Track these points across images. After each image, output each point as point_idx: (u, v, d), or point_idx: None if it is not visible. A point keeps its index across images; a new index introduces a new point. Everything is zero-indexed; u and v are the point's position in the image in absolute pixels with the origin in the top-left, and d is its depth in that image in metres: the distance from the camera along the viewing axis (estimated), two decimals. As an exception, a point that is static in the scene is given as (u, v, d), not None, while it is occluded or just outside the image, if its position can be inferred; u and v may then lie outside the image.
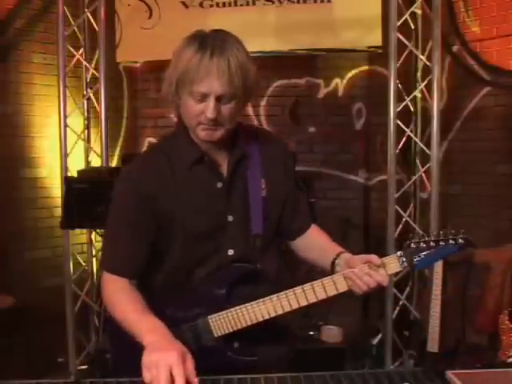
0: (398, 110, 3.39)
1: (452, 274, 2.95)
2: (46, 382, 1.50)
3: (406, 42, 3.48)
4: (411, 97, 3.63)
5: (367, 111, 4.12)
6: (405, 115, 3.60)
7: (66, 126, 3.56)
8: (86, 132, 3.96)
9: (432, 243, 1.43)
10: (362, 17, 3.60)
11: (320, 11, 3.65)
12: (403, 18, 3.44)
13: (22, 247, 3.67)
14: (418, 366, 2.40)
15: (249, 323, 1.43)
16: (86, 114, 3.94)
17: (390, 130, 3.35)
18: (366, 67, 4.11)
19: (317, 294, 1.42)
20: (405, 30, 3.52)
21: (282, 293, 1.42)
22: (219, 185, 1.48)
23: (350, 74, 4.12)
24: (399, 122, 3.41)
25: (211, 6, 3.71)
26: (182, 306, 1.49)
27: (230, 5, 3.70)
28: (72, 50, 3.73)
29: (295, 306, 1.43)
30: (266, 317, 1.43)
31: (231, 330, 1.44)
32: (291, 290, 1.42)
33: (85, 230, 3.82)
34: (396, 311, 3.59)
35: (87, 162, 3.93)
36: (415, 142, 3.76)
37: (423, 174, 3.56)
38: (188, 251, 1.48)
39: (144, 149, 4.14)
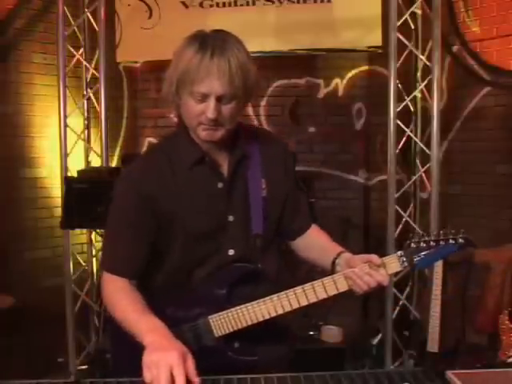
0: (398, 110, 3.39)
1: (452, 274, 2.96)
2: (46, 382, 1.50)
3: (406, 42, 3.48)
4: (411, 97, 3.63)
5: (367, 111, 4.12)
6: (405, 115, 3.60)
7: (65, 125, 3.56)
8: (86, 132, 3.96)
9: (432, 243, 1.43)
10: (362, 17, 3.61)
11: (320, 11, 3.65)
12: (403, 18, 3.44)
13: (22, 247, 3.67)
14: (418, 366, 2.40)
15: (249, 323, 1.43)
16: (86, 114, 3.94)
17: (390, 130, 3.36)
18: (366, 67, 4.11)
19: (317, 294, 1.42)
20: (405, 30, 3.53)
21: (282, 293, 1.42)
22: (220, 185, 1.48)
23: (350, 74, 4.13)
24: (399, 122, 3.41)
25: (211, 6, 3.71)
26: (182, 306, 1.49)
27: (229, 5, 3.70)
28: (72, 50, 3.74)
29: (296, 305, 1.43)
30: (267, 317, 1.43)
31: (232, 330, 1.44)
32: (291, 289, 1.42)
33: (85, 230, 3.83)
34: (396, 311, 3.59)
35: (87, 162, 3.94)
36: (415, 142, 3.76)
37: (423, 174, 3.56)
38: (188, 251, 1.48)
39: (144, 149, 4.15)
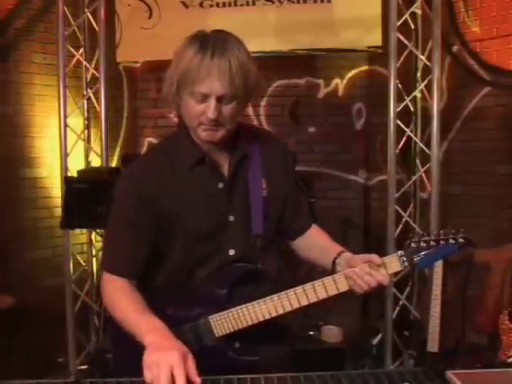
0: (398, 110, 3.39)
1: (452, 274, 2.96)
2: (46, 382, 1.50)
3: (406, 42, 3.48)
4: (411, 97, 3.63)
5: (367, 111, 4.12)
6: (405, 115, 3.60)
7: (66, 125, 3.55)
8: (86, 132, 3.96)
9: (432, 242, 1.43)
10: (361, 17, 3.61)
11: (320, 11, 3.66)
12: (403, 18, 3.44)
13: (22, 247, 3.67)
14: (418, 366, 2.40)
15: (250, 323, 1.43)
16: (85, 114, 3.94)
17: (390, 130, 3.36)
18: (365, 67, 4.11)
19: (318, 294, 1.42)
20: (405, 30, 3.53)
21: (282, 292, 1.42)
22: (220, 185, 1.48)
23: (349, 74, 4.13)
24: (399, 122, 3.41)
25: (211, 6, 3.71)
26: (182, 306, 1.49)
27: (229, 5, 3.70)
28: (72, 50, 3.74)
29: (296, 305, 1.43)
30: (267, 316, 1.43)
31: (232, 330, 1.44)
32: (292, 289, 1.42)
33: (85, 230, 3.83)
34: (396, 311, 3.59)
35: (87, 162, 3.94)
36: (415, 142, 3.76)
37: (423, 174, 3.56)
38: (189, 251, 1.48)
39: (144, 149, 4.15)
